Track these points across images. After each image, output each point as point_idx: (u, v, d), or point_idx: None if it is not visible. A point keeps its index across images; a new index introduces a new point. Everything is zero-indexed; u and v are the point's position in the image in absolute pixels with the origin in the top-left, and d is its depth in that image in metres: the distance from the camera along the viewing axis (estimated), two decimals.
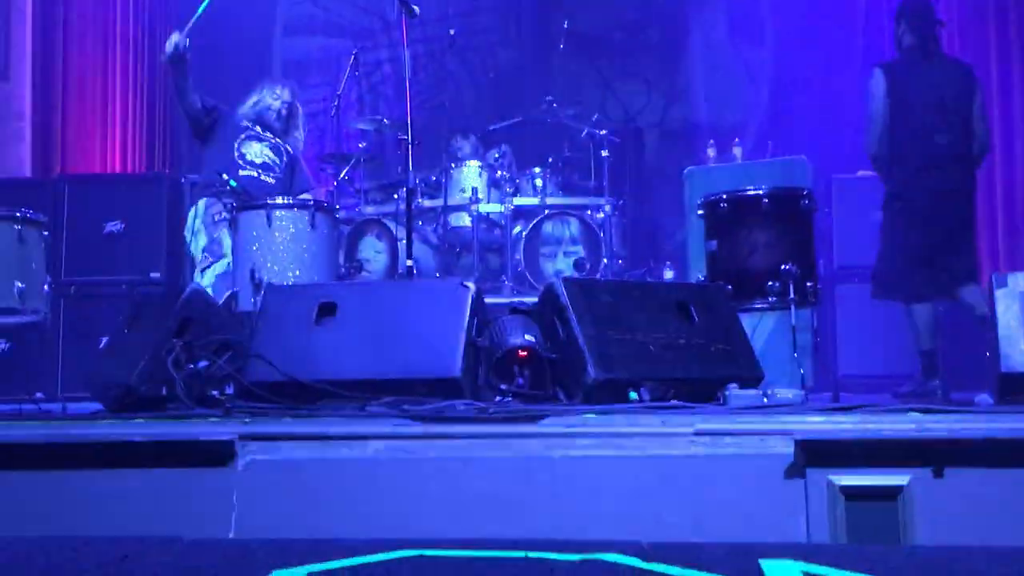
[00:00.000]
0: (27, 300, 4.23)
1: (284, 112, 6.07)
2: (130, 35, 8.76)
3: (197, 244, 5.76)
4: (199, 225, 5.75)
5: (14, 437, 3.01)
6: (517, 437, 2.90)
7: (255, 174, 5.80)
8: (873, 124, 5.24)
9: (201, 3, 5.63)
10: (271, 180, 5.85)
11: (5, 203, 4.92)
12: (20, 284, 4.20)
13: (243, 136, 5.92)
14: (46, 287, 4.36)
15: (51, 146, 8.41)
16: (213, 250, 5.61)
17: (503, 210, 6.89)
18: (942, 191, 5.10)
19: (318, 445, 2.92)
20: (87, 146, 8.51)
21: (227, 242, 5.44)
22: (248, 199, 5.33)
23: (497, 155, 7.25)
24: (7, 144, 8.06)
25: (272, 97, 6.06)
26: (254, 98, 6.06)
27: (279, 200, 5.09)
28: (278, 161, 5.97)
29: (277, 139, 6.03)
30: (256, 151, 5.92)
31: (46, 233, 4.48)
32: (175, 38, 5.69)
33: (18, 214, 4.39)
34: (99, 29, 8.56)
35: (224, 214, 5.47)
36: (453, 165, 6.96)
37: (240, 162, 5.82)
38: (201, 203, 5.80)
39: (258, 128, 5.98)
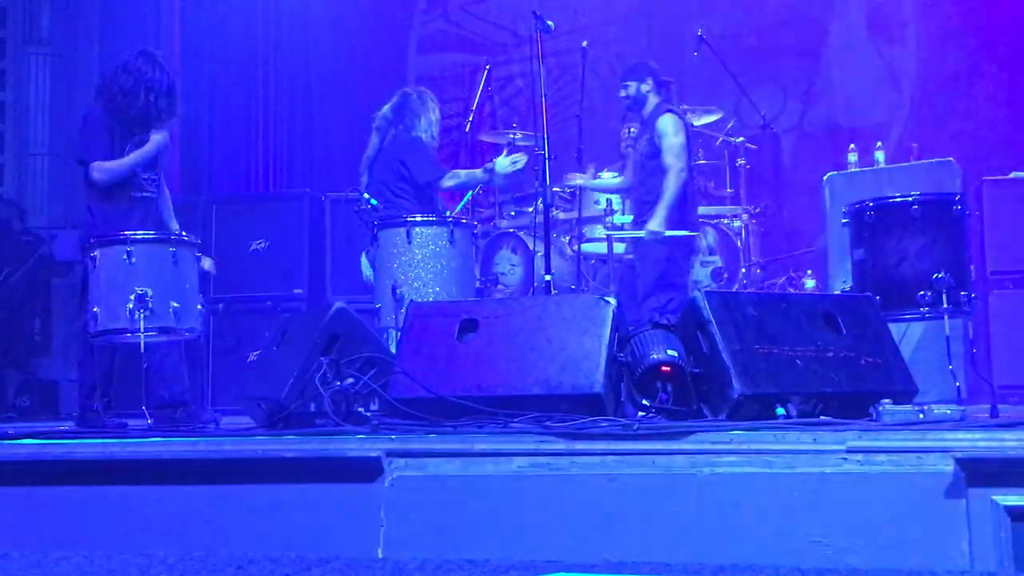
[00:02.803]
0: (182, 319, 4.40)
1: None
2: (272, 58, 9.06)
3: None
4: None
5: (172, 453, 3.14)
6: (663, 454, 2.87)
7: None
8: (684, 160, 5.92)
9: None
10: None
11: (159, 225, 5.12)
12: (175, 304, 4.37)
13: None
14: (200, 306, 4.53)
15: (198, 168, 8.77)
16: None
17: None
18: None
19: (463, 461, 2.95)
20: (232, 166, 8.83)
21: None
22: None
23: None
24: None
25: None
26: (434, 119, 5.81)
27: (418, 217, 5.15)
28: None
29: None
30: None
31: (199, 254, 4.66)
32: None
33: (172, 236, 4.58)
34: (242, 53, 8.88)
35: None
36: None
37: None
38: None
39: None
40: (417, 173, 5.54)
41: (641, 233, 5.88)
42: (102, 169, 4.80)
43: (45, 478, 3.08)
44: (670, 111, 6.02)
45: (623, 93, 6.16)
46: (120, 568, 2.19)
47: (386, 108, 5.77)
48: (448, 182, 5.66)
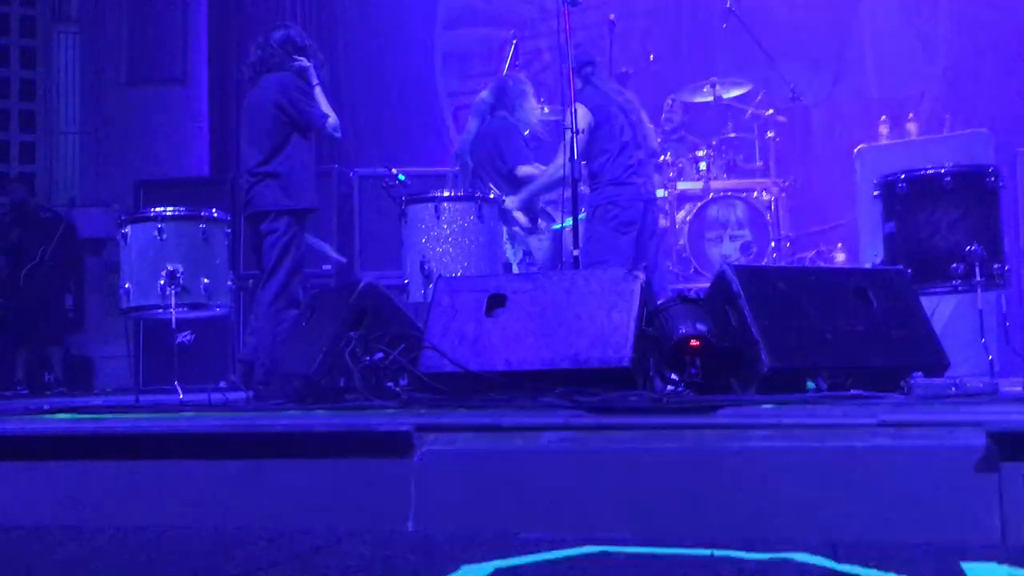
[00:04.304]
0: (213, 296, 4.44)
1: None
2: None
3: None
4: None
5: (204, 427, 3.16)
6: (692, 428, 2.86)
7: None
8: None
9: None
10: None
11: (187, 201, 5.17)
12: (206, 280, 4.40)
13: None
14: (230, 282, 4.56)
15: (227, 145, 8.80)
16: None
17: (666, 195, 6.80)
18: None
19: (492, 436, 2.94)
20: None
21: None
22: None
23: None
24: (188, 144, 8.47)
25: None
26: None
27: (446, 193, 5.15)
28: None
29: None
30: None
31: (228, 231, 4.69)
32: None
33: (203, 214, 4.61)
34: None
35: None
36: None
37: None
38: None
39: None
40: (510, 158, 5.86)
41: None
42: None
43: (78, 452, 3.11)
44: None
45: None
46: (153, 540, 2.22)
47: (484, 93, 6.01)
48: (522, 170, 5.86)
